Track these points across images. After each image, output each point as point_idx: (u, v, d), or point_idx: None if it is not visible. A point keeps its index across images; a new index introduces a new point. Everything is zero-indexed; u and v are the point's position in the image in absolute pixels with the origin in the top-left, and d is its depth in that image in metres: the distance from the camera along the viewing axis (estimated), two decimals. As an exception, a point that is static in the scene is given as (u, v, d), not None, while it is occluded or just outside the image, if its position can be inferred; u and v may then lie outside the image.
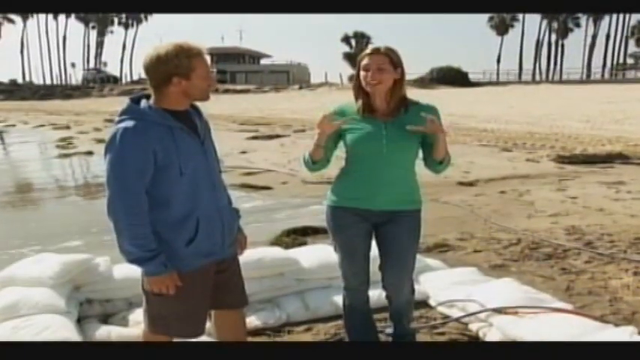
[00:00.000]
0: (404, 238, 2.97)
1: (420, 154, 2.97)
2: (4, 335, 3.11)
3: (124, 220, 2.34)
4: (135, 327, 3.48)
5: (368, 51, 2.88)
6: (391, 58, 2.85)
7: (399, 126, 2.84)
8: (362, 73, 2.86)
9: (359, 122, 2.90)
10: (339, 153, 3.02)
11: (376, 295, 3.84)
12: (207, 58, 2.50)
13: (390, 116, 2.88)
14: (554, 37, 71.37)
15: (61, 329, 3.20)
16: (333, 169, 3.07)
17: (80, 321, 3.61)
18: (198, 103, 2.57)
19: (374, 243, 3.07)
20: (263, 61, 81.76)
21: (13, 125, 25.98)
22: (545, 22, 69.60)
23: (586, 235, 5.77)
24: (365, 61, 2.85)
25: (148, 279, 2.43)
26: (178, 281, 2.44)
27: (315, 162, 2.94)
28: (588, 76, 62.12)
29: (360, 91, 2.91)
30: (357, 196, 2.92)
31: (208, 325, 2.74)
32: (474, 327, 3.55)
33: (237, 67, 71.13)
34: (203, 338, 2.82)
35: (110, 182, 2.35)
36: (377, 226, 3.00)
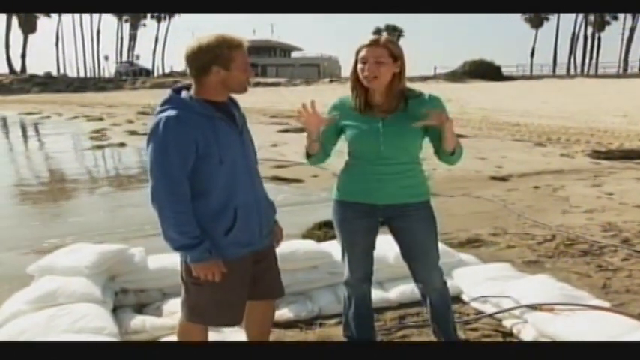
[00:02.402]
0: (419, 231, 2.90)
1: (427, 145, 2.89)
2: (42, 323, 3.17)
3: (168, 207, 2.37)
4: (169, 317, 3.52)
5: (366, 42, 2.73)
6: (390, 50, 2.71)
7: (397, 123, 2.75)
8: (359, 65, 2.74)
9: (356, 119, 2.81)
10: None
11: (409, 289, 3.85)
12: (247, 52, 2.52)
13: (389, 112, 2.77)
14: (590, 30, 70.14)
15: (97, 318, 3.25)
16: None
17: (116, 310, 3.66)
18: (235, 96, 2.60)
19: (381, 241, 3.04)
20: (294, 55, 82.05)
21: (48, 117, 26.43)
22: (581, 15, 68.39)
23: (623, 232, 5.66)
24: (362, 53, 2.71)
25: (194, 266, 2.45)
26: (223, 267, 2.47)
27: (311, 156, 2.89)
28: (625, 69, 60.96)
29: (357, 85, 2.78)
30: (359, 191, 2.87)
31: None
32: (507, 323, 3.51)
33: (268, 61, 71.43)
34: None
35: (154, 170, 2.38)
36: (389, 222, 2.94)
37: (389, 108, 2.78)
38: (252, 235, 2.57)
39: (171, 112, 2.39)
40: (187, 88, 2.52)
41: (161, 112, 2.42)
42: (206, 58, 2.40)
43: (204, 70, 2.42)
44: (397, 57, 2.73)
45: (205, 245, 2.43)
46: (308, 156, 2.92)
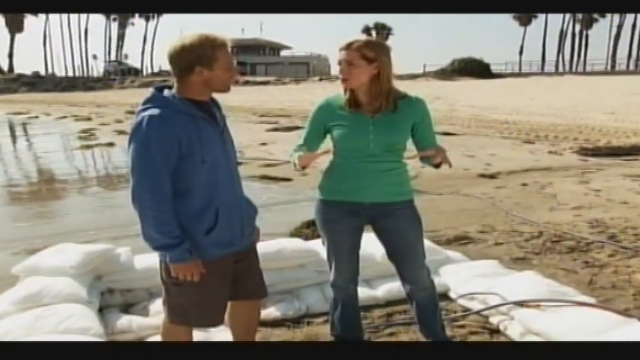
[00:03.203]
0: (406, 230, 2.91)
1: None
2: (27, 324, 3.14)
3: (149, 206, 2.35)
4: (155, 317, 3.50)
5: (342, 45, 2.76)
6: (362, 53, 2.72)
7: (386, 122, 2.78)
8: (338, 67, 2.82)
9: (345, 117, 2.83)
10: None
11: (396, 286, 3.85)
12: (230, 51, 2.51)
13: (378, 111, 2.79)
14: (578, 27, 70.50)
15: (83, 318, 3.22)
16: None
17: (102, 310, 3.64)
18: (219, 95, 2.58)
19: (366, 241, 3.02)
20: (283, 53, 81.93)
21: (36, 117, 26.25)
22: (569, 13, 68.72)
23: (609, 229, 5.69)
24: (339, 56, 2.78)
25: (173, 266, 2.43)
26: (202, 268, 2.45)
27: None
28: (613, 67, 61.27)
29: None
30: (345, 189, 2.87)
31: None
32: (494, 320, 3.51)
33: (258, 59, 71.31)
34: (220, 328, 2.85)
35: (135, 169, 2.35)
36: (374, 222, 2.94)
37: (375, 108, 2.80)
38: (233, 236, 2.56)
39: (154, 111, 2.36)
40: (169, 87, 2.50)
41: (143, 110, 2.40)
42: (189, 58, 2.39)
43: (188, 70, 2.41)
44: (371, 59, 2.73)
45: (185, 245, 2.41)
46: (295, 166, 2.86)
